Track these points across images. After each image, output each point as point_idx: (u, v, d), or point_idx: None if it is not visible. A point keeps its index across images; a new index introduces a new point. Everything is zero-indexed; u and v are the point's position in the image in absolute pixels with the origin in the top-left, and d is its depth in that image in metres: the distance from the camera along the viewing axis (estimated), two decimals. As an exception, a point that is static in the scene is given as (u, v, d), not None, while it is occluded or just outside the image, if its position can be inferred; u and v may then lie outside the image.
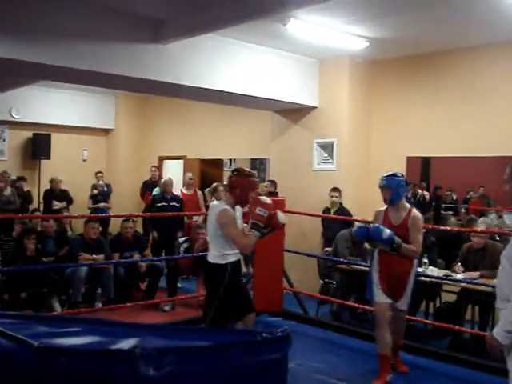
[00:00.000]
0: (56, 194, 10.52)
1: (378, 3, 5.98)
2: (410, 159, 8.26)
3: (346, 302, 6.78)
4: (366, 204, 8.34)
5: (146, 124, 12.84)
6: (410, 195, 9.23)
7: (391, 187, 4.91)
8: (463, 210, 8.31)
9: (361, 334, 6.14)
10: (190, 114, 11.55)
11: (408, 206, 4.99)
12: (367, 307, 6.33)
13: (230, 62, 7.43)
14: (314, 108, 8.63)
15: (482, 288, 5.78)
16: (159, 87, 7.30)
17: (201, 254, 7.37)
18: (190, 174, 9.85)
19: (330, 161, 8.49)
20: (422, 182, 10.02)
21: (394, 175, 5.00)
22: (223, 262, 4.33)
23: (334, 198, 7.87)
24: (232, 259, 4.38)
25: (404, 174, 8.12)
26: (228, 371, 1.96)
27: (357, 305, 6.68)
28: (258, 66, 7.78)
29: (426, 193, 9.87)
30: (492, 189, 7.75)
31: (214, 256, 4.38)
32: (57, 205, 10.35)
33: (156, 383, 1.87)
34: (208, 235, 4.55)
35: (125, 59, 6.45)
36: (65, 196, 10.61)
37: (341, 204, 7.92)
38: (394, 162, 8.16)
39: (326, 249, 7.70)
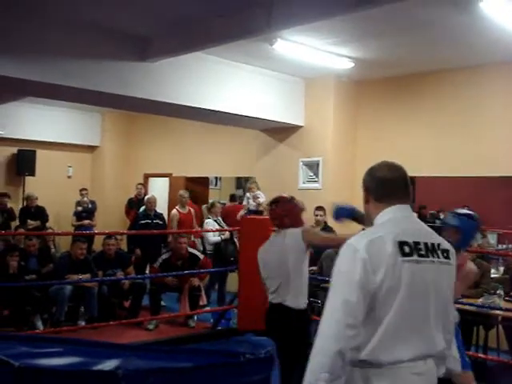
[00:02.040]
0: (31, 211, 10.22)
1: (363, 25, 6.05)
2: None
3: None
4: (350, 223, 8.36)
5: (132, 141, 12.82)
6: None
7: (464, 231, 3.85)
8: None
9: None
10: (177, 132, 11.55)
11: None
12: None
13: (217, 80, 7.47)
14: (299, 127, 8.67)
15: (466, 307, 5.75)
16: (145, 105, 7.32)
17: (186, 272, 7.35)
18: (182, 192, 9.32)
19: (316, 179, 8.52)
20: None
21: (470, 216, 3.96)
22: (303, 306, 3.85)
23: (318, 217, 7.87)
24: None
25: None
26: (211, 393, 1.94)
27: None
28: (245, 85, 7.82)
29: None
30: (476, 208, 7.79)
31: (292, 300, 3.86)
32: (32, 224, 9.97)
33: (138, 405, 1.85)
34: (283, 274, 3.99)
35: (112, 77, 6.47)
36: (41, 213, 10.28)
37: (325, 223, 7.93)
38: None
39: (311, 268, 7.69)
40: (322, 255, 7.27)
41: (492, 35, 6.06)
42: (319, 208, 7.92)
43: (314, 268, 7.53)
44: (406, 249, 2.02)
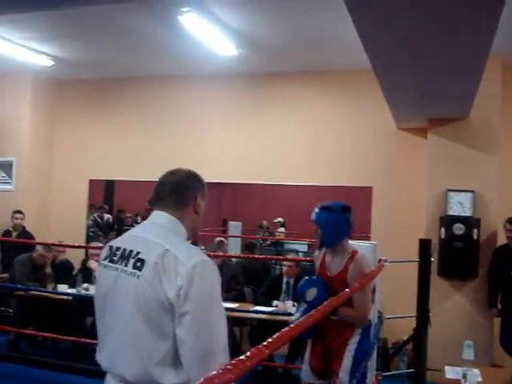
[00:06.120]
0: None
1: (65, 23, 5.87)
2: (93, 182, 8.26)
3: (23, 331, 6.42)
4: (48, 227, 8.10)
5: None
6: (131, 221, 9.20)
7: (322, 225, 3.49)
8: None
9: (40, 362, 5.85)
10: None
11: (351, 248, 3.53)
12: (46, 334, 6.11)
13: None
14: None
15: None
16: None
17: None
18: None
19: (9, 181, 8.02)
20: (105, 205, 10.13)
21: (328, 208, 3.50)
22: None
23: (18, 220, 7.42)
24: None
25: (86, 196, 8.22)
26: None
27: (35, 333, 6.39)
28: None
29: (108, 216, 9.98)
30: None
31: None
32: None
33: None
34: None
35: None
36: None
37: (24, 227, 7.52)
38: (77, 184, 8.12)
39: (3, 275, 7.21)
40: (14, 261, 6.86)
41: (191, 48, 6.40)
42: (18, 211, 7.48)
43: (5, 275, 7.08)
44: (106, 253, 1.95)
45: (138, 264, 1.78)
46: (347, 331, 3.43)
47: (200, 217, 2.01)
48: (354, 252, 3.47)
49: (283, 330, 1.58)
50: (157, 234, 1.87)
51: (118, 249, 1.90)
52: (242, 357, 1.12)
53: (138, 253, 1.81)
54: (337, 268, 3.47)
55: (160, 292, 1.71)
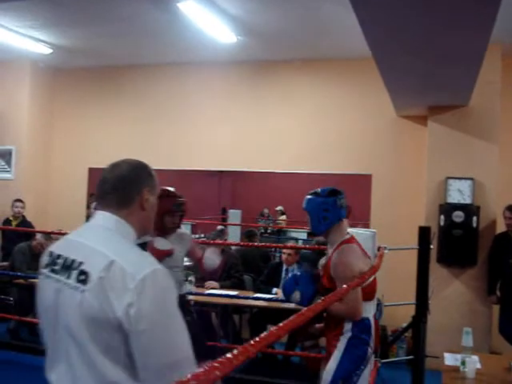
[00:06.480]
0: None
1: (63, 11, 5.84)
2: (92, 170, 8.24)
3: (24, 319, 6.43)
4: (47, 216, 8.09)
5: None
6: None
7: (310, 211, 3.29)
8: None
9: (41, 350, 5.87)
10: None
11: (345, 236, 3.26)
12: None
13: None
14: (-10, 112, 8.05)
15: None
16: None
17: None
18: None
19: (8, 170, 8.00)
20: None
21: (315, 193, 3.31)
22: None
23: (18, 209, 7.41)
24: None
25: (86, 184, 8.22)
26: None
27: (36, 321, 6.39)
28: None
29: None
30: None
31: None
32: None
33: None
34: None
35: None
36: None
37: (24, 216, 7.50)
38: (77, 172, 8.11)
39: (3, 263, 7.21)
40: (13, 250, 6.86)
41: (190, 35, 6.37)
42: (18, 200, 7.47)
43: (5, 263, 7.09)
44: (47, 260, 1.74)
45: (82, 277, 1.58)
46: (336, 325, 3.18)
47: (150, 213, 1.79)
48: (344, 241, 3.21)
49: (270, 329, 1.46)
50: (100, 239, 1.68)
51: (58, 256, 1.69)
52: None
53: (80, 263, 1.61)
54: (327, 257, 3.30)
55: (108, 310, 1.52)
